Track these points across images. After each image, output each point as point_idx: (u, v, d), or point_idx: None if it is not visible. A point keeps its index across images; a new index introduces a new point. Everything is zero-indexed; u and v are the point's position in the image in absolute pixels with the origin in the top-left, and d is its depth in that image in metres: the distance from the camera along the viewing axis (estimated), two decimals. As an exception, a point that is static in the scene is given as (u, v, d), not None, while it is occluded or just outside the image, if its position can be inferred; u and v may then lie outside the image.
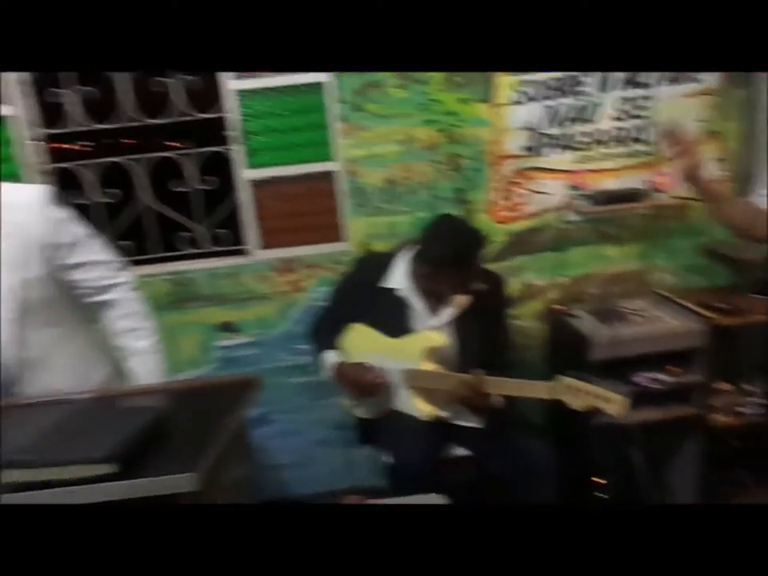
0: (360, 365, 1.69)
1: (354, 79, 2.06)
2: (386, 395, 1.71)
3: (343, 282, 1.86)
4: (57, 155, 2.14)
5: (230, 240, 2.24)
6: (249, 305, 2.25)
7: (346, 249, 2.21)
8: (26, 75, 2.05)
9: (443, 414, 1.68)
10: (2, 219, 1.25)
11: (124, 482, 0.76)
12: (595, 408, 1.32)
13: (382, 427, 1.76)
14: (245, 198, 2.17)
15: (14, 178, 2.06)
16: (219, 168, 2.18)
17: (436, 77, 2.07)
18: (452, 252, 1.57)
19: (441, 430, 1.70)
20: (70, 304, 1.39)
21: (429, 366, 1.65)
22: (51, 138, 2.12)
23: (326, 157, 2.15)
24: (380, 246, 2.16)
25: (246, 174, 2.15)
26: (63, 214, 1.33)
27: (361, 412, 1.80)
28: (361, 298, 1.75)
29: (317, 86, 2.08)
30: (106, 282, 1.39)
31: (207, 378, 1.13)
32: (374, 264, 1.79)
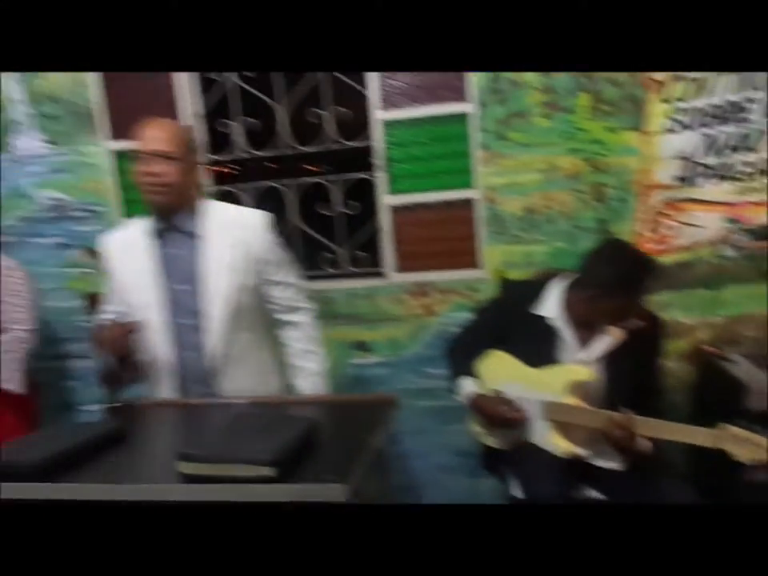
0: (498, 397, 1.67)
1: (499, 109, 2.08)
2: (522, 428, 1.67)
3: (487, 306, 1.84)
4: (218, 178, 2.38)
5: (368, 262, 2.34)
6: (382, 326, 2.32)
7: (481, 276, 2.22)
8: (199, 107, 2.30)
9: (582, 452, 1.61)
10: (230, 233, 1.52)
11: (280, 485, 0.82)
12: (763, 462, 1.21)
13: (512, 459, 1.72)
14: (385, 223, 2.26)
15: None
16: (362, 193, 2.29)
17: (584, 106, 2.04)
18: (617, 277, 1.50)
19: (576, 468, 1.63)
20: (265, 315, 1.63)
21: (572, 401, 1.59)
22: (215, 163, 2.35)
23: (466, 184, 2.18)
24: (515, 275, 2.14)
25: (387, 200, 2.24)
26: (275, 237, 1.60)
27: (492, 441, 1.77)
28: (505, 323, 1.71)
29: (461, 116, 2.13)
30: (294, 304, 1.63)
31: (352, 394, 1.19)
32: (523, 290, 1.75)
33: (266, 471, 0.83)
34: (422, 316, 2.29)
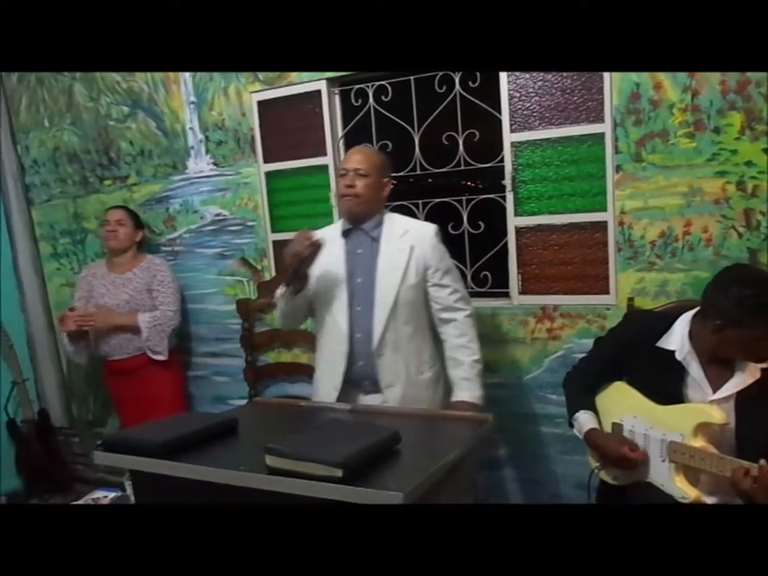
0: (616, 437, 1.60)
1: (636, 129, 1.99)
2: (639, 469, 1.57)
3: (611, 337, 1.77)
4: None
5: (493, 283, 2.34)
6: (504, 347, 2.30)
7: (610, 302, 2.11)
8: (339, 131, 2.48)
9: (708, 500, 1.48)
10: (403, 239, 1.83)
11: (342, 486, 0.88)
12: None
13: (629, 497, 1.62)
14: (511, 244, 2.24)
15: (328, 216, 2.49)
16: (490, 214, 2.30)
17: (734, 125, 1.87)
18: (745, 306, 1.37)
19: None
20: (423, 311, 1.88)
21: (699, 443, 1.47)
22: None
23: (597, 207, 2.10)
24: (647, 304, 2.01)
25: (514, 221, 2.23)
26: (443, 247, 1.88)
27: (608, 477, 1.69)
28: (628, 355, 1.64)
29: (595, 137, 2.06)
30: (454, 305, 1.86)
31: (447, 411, 1.22)
32: (649, 322, 1.67)
33: (335, 472, 0.90)
34: (545, 340, 2.23)
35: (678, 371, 1.54)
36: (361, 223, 1.87)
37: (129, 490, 1.77)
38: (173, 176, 2.84)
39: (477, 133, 2.28)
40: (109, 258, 2.77)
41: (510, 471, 2.33)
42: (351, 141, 2.46)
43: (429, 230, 1.88)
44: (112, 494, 1.91)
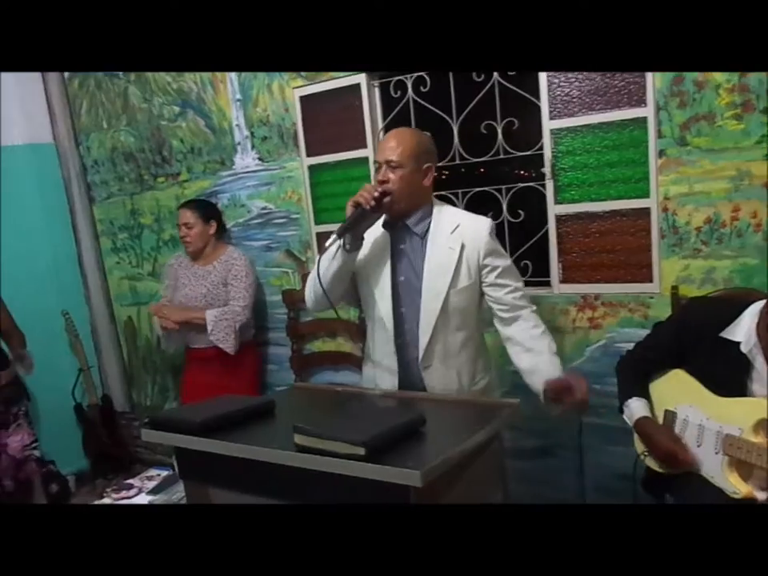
0: (669, 431, 1.56)
1: (680, 112, 1.93)
2: (690, 463, 1.54)
3: (671, 323, 1.71)
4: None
5: (533, 272, 2.33)
6: (545, 336, 2.28)
7: (653, 290, 2.07)
8: (379, 123, 2.51)
9: (760, 496, 1.43)
10: (453, 236, 1.64)
11: (363, 464, 0.92)
12: None
13: (676, 487, 1.58)
14: (551, 232, 2.23)
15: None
16: (530, 202, 2.29)
17: (784, 103, 1.79)
18: None
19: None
20: (476, 314, 1.73)
21: (758, 439, 1.41)
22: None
23: (640, 193, 2.06)
24: (692, 292, 1.96)
25: (554, 210, 2.21)
26: (498, 243, 1.70)
27: (655, 464, 1.64)
28: (687, 344, 1.58)
29: (637, 121, 2.02)
30: (517, 303, 1.69)
31: (476, 397, 1.24)
32: (713, 310, 1.60)
33: (358, 450, 0.94)
34: (586, 329, 2.21)
35: (742, 364, 1.47)
36: (403, 217, 1.69)
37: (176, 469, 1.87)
38: (221, 172, 2.94)
39: (515, 121, 2.27)
40: None
41: (550, 461, 2.32)
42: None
43: (483, 225, 1.68)
44: (164, 473, 2.02)
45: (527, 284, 2.31)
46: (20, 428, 2.71)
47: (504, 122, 2.29)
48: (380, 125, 2.53)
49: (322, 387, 1.56)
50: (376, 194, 1.58)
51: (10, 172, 3.25)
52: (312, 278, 1.71)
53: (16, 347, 2.77)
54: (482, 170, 2.39)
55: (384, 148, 1.66)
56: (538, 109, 2.17)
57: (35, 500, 2.91)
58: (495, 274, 1.67)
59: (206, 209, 2.77)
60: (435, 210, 1.71)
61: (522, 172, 2.32)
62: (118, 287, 3.53)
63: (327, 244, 1.62)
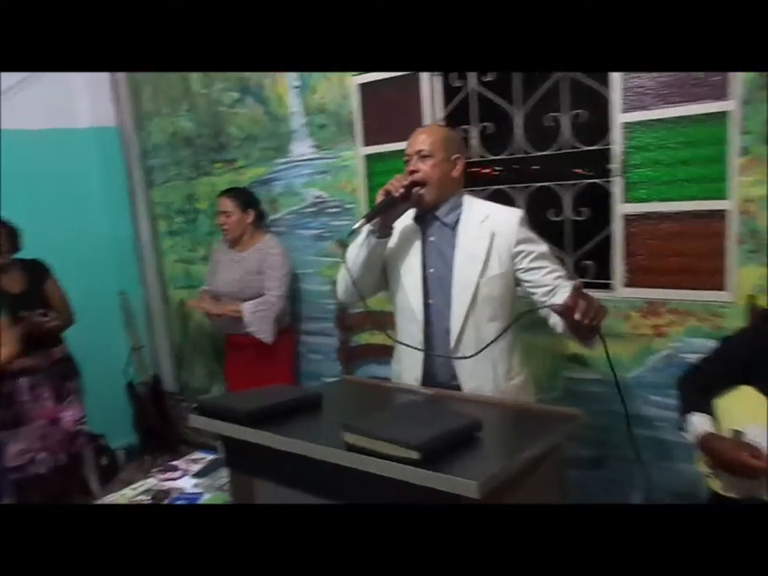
0: (738, 441, 1.46)
1: (765, 107, 1.79)
2: (759, 484, 1.43)
3: (741, 337, 1.61)
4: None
5: (595, 273, 2.22)
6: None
7: (727, 299, 1.93)
8: (441, 113, 2.44)
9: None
10: (483, 226, 1.63)
11: (417, 469, 0.87)
12: None
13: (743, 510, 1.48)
14: (617, 232, 2.11)
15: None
16: (595, 200, 2.18)
17: None
18: None
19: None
20: (511, 305, 1.68)
21: None
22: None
23: (716, 194, 1.92)
24: (770, 302, 1.83)
25: (621, 208, 2.09)
26: (533, 234, 1.68)
27: (721, 487, 1.54)
28: (758, 358, 1.49)
29: (718, 116, 1.88)
30: (557, 282, 1.61)
31: (534, 404, 1.17)
32: None
33: (411, 454, 0.89)
34: (650, 336, 2.09)
35: None
36: (432, 209, 1.69)
37: (221, 453, 1.87)
38: (276, 159, 2.94)
39: (583, 113, 2.16)
40: None
41: (605, 472, 2.21)
42: (451, 123, 2.41)
43: (513, 215, 1.67)
44: (209, 456, 2.02)
45: (587, 285, 2.21)
46: (72, 403, 2.78)
47: (570, 114, 2.18)
48: (440, 115, 2.46)
49: (371, 382, 1.52)
50: (406, 183, 1.61)
51: (75, 154, 3.34)
52: (342, 267, 1.73)
53: (65, 319, 2.83)
54: (543, 164, 2.29)
55: (414, 140, 1.68)
56: (607, 101, 2.06)
57: (86, 473, 2.99)
58: (530, 258, 1.64)
59: (245, 197, 2.80)
60: (465, 201, 1.71)
61: (586, 168, 2.21)
62: (173, 270, 3.59)
63: (355, 227, 1.63)
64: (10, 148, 3.03)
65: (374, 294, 1.83)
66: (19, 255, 2.65)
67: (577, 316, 1.30)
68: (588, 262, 2.23)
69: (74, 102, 3.32)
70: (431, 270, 1.68)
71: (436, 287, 1.67)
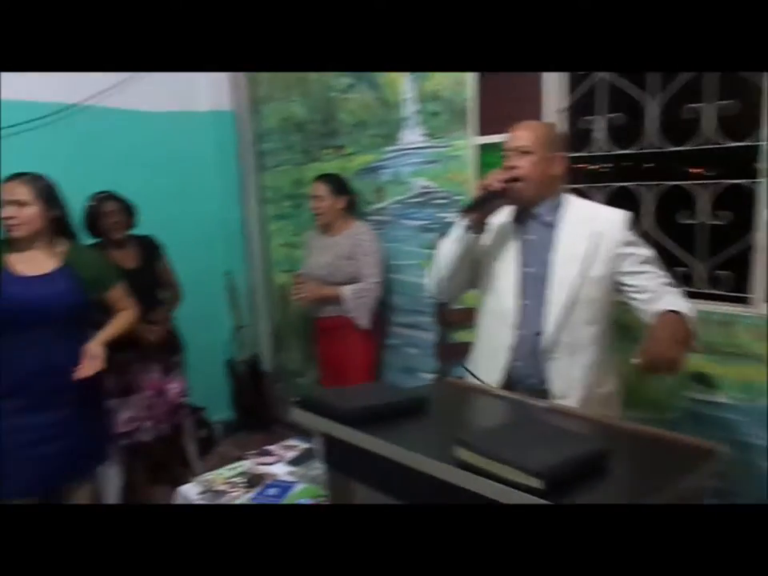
0: None
1: None
2: None
3: None
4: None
5: (731, 284, 1.99)
6: (737, 362, 1.95)
7: None
8: (564, 103, 2.27)
9: None
10: (586, 226, 1.58)
11: (539, 499, 0.78)
12: None
13: None
14: (761, 240, 1.88)
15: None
16: (737, 203, 1.94)
17: None
18: None
19: None
20: (608, 309, 1.63)
21: None
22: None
23: None
24: None
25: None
26: (633, 234, 1.61)
27: None
28: None
29: None
30: (662, 287, 1.54)
31: (666, 431, 1.03)
32: None
33: (533, 481, 0.80)
34: (793, 360, 1.84)
35: None
36: (531, 207, 1.65)
37: (317, 445, 1.85)
38: (386, 147, 2.88)
39: (727, 104, 1.92)
40: None
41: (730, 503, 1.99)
42: (576, 113, 2.25)
43: (619, 215, 1.62)
44: (304, 445, 2.01)
45: (717, 298, 1.99)
46: (177, 376, 2.89)
47: (712, 104, 1.95)
48: (563, 104, 2.30)
49: (475, 386, 1.42)
50: (505, 178, 1.58)
51: (192, 136, 3.46)
52: (436, 262, 1.72)
53: (174, 296, 2.95)
54: (679, 160, 2.07)
55: (515, 136, 1.64)
56: (759, 91, 1.82)
57: (185, 443, 3.12)
58: (635, 260, 1.57)
59: (338, 183, 2.81)
60: (567, 199, 1.67)
61: (727, 166, 1.97)
62: (277, 253, 3.66)
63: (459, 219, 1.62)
64: (132, 128, 3.19)
65: (463, 292, 1.81)
66: (134, 232, 2.78)
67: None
68: (723, 272, 2.00)
69: (196, 85, 3.44)
70: (528, 270, 1.63)
71: (532, 287, 1.62)
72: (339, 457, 1.18)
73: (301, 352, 3.58)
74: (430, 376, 2.82)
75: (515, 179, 1.58)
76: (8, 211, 1.95)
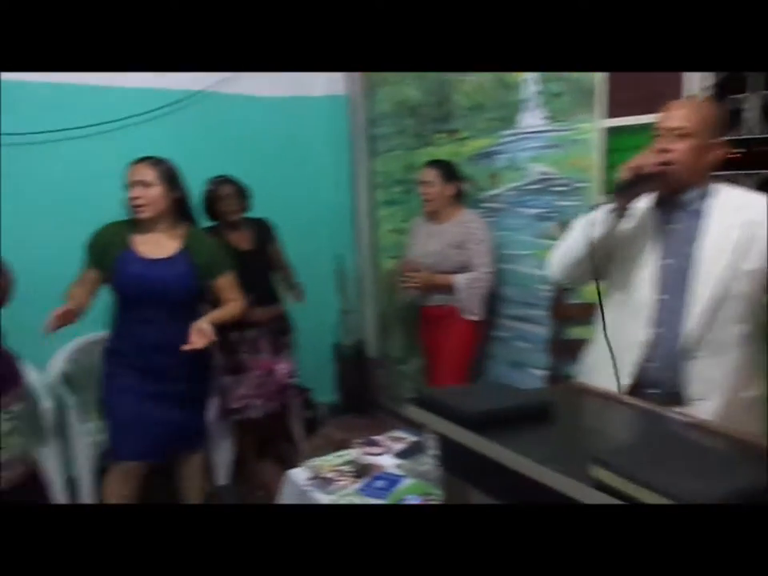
0: None
1: None
2: None
3: None
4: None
5: None
6: None
7: None
8: (708, 81, 2.04)
9: None
10: (739, 214, 1.43)
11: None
12: None
13: None
14: None
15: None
16: None
17: None
18: None
19: None
20: (761, 306, 1.46)
21: None
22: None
23: None
24: None
25: None
26: None
27: None
28: None
29: None
30: None
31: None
32: None
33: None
34: None
35: None
36: (679, 194, 1.50)
37: (426, 440, 1.80)
38: (502, 131, 2.75)
39: None
40: None
41: None
42: (721, 92, 2.01)
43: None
44: (412, 438, 1.97)
45: None
46: (286, 357, 2.96)
47: None
48: (706, 82, 2.06)
49: (604, 392, 1.30)
50: (659, 161, 1.43)
51: (306, 121, 3.51)
52: (566, 242, 1.60)
53: (288, 278, 3.02)
54: None
55: (672, 114, 1.48)
56: None
57: (292, 422, 3.21)
58: None
59: (448, 170, 2.73)
60: (716, 187, 1.51)
61: None
62: (385, 239, 3.64)
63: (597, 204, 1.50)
64: (249, 114, 3.28)
65: (585, 282, 1.68)
66: (248, 215, 2.86)
67: None
68: None
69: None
70: (667, 262, 1.49)
71: (672, 280, 1.48)
72: (457, 461, 1.12)
73: (405, 339, 3.55)
74: (539, 372, 2.69)
75: (668, 163, 1.43)
76: (134, 191, 2.05)
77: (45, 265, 2.48)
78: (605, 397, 1.27)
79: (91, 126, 2.80)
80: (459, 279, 2.63)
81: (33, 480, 1.94)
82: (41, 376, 2.50)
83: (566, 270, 1.62)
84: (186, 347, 1.98)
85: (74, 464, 2.57)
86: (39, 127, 2.69)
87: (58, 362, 2.59)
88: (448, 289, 2.65)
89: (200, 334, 2.02)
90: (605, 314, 1.56)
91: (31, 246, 2.59)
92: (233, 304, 2.26)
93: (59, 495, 2.48)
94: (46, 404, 2.46)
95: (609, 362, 1.50)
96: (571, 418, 1.17)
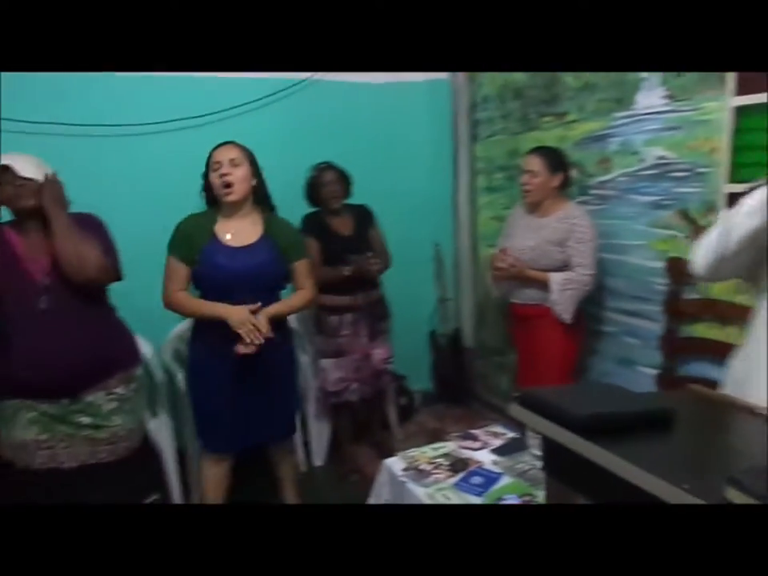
0: None
1: None
2: None
3: None
4: None
5: None
6: None
7: None
8: None
9: None
10: None
11: None
12: None
13: None
14: None
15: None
16: None
17: None
18: None
19: None
20: None
21: None
22: None
23: None
24: None
25: None
26: None
27: None
28: None
29: None
30: None
31: None
32: None
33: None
34: None
35: None
36: None
37: (530, 440, 1.74)
38: (616, 112, 2.58)
39: None
40: None
41: None
42: None
43: None
44: (510, 434, 1.92)
45: None
46: (382, 342, 2.97)
47: None
48: None
49: (730, 401, 1.18)
50: None
51: (408, 106, 3.47)
52: (715, 235, 1.40)
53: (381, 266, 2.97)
54: None
55: None
56: None
57: (386, 408, 3.23)
58: None
59: (556, 158, 2.53)
60: None
61: None
62: (486, 227, 3.55)
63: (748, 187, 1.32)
64: (353, 100, 3.29)
65: (733, 276, 1.51)
66: (349, 201, 2.88)
67: None
68: None
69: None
70: None
71: None
72: (563, 465, 1.06)
73: (502, 330, 3.46)
74: (650, 371, 2.52)
75: None
76: (224, 169, 2.06)
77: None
78: (735, 407, 1.15)
79: (203, 115, 2.92)
80: (555, 277, 2.45)
81: (140, 453, 2.02)
82: (154, 352, 2.66)
83: (714, 267, 1.43)
84: (238, 350, 1.98)
85: (182, 436, 2.73)
86: (155, 118, 2.84)
87: (171, 340, 2.75)
88: (540, 285, 2.49)
89: (253, 333, 1.98)
90: (758, 317, 1.38)
91: (142, 231, 2.69)
92: (301, 293, 2.24)
93: (170, 464, 2.65)
94: (159, 377, 2.62)
95: (764, 374, 1.32)
96: (692, 427, 1.07)
